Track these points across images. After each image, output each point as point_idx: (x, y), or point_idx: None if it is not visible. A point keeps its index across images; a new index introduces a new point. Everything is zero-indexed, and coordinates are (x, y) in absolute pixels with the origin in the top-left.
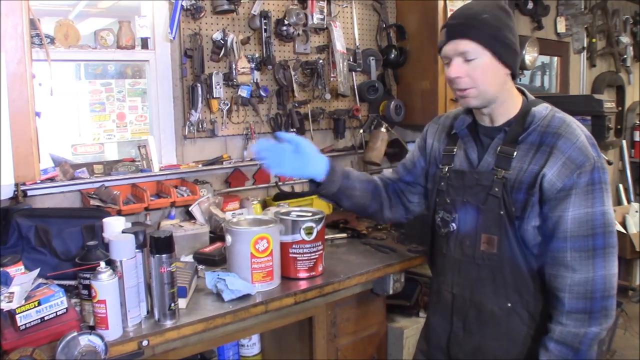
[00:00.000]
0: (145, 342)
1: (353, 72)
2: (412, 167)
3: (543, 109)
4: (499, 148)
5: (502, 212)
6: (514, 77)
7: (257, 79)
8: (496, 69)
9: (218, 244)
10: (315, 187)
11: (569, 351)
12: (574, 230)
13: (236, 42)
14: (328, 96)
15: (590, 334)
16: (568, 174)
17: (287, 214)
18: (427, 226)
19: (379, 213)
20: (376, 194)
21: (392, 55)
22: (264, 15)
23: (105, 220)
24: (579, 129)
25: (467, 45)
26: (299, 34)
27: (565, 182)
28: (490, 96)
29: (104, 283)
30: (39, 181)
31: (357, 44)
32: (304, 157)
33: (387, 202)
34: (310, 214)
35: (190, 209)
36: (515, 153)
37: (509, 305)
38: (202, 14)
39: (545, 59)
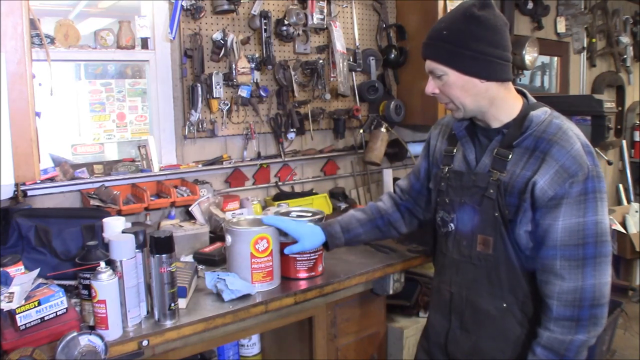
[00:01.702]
0: (145, 342)
1: (353, 72)
2: (417, 173)
3: (542, 113)
4: (495, 150)
5: (496, 214)
6: (505, 80)
7: (257, 79)
8: (466, 82)
9: (218, 244)
10: (327, 249)
11: (554, 357)
12: (564, 240)
13: (236, 42)
14: (328, 96)
15: (576, 342)
16: (560, 182)
17: (287, 214)
18: (428, 225)
19: (395, 234)
20: (384, 224)
21: (392, 55)
22: (264, 15)
23: (105, 220)
24: (575, 137)
25: (431, 65)
26: (299, 34)
27: (557, 191)
28: (471, 108)
29: (104, 283)
30: (39, 181)
31: (357, 44)
32: (302, 243)
33: (402, 221)
34: (310, 214)
35: (190, 209)
36: (510, 156)
37: (505, 305)
38: (202, 14)
39: (545, 59)
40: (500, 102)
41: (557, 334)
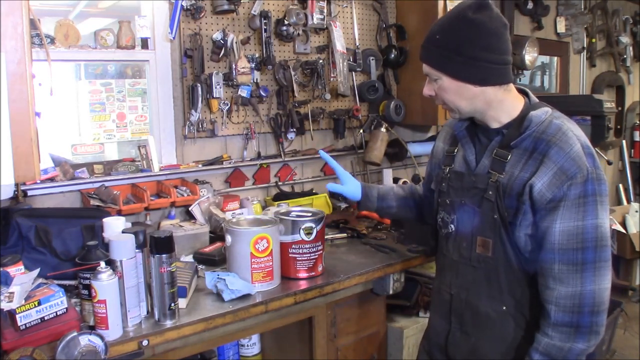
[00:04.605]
0: (145, 342)
1: (353, 72)
2: (428, 175)
3: (542, 113)
4: (495, 151)
5: (495, 216)
6: (502, 84)
7: (257, 79)
8: (459, 87)
9: (218, 244)
10: (358, 208)
11: None
12: (563, 243)
13: (236, 42)
14: (328, 96)
15: (575, 350)
16: (558, 184)
17: (287, 214)
18: (428, 226)
19: (420, 220)
20: (415, 205)
21: (392, 55)
22: (264, 15)
23: (105, 220)
24: (575, 138)
25: (426, 69)
26: (299, 34)
27: (555, 193)
28: (466, 110)
29: (104, 283)
30: (39, 181)
31: (357, 44)
32: (347, 186)
33: (428, 209)
34: (310, 214)
35: (190, 209)
36: (509, 157)
37: (504, 308)
38: (202, 14)
39: (545, 59)
40: (498, 104)
41: (556, 340)
